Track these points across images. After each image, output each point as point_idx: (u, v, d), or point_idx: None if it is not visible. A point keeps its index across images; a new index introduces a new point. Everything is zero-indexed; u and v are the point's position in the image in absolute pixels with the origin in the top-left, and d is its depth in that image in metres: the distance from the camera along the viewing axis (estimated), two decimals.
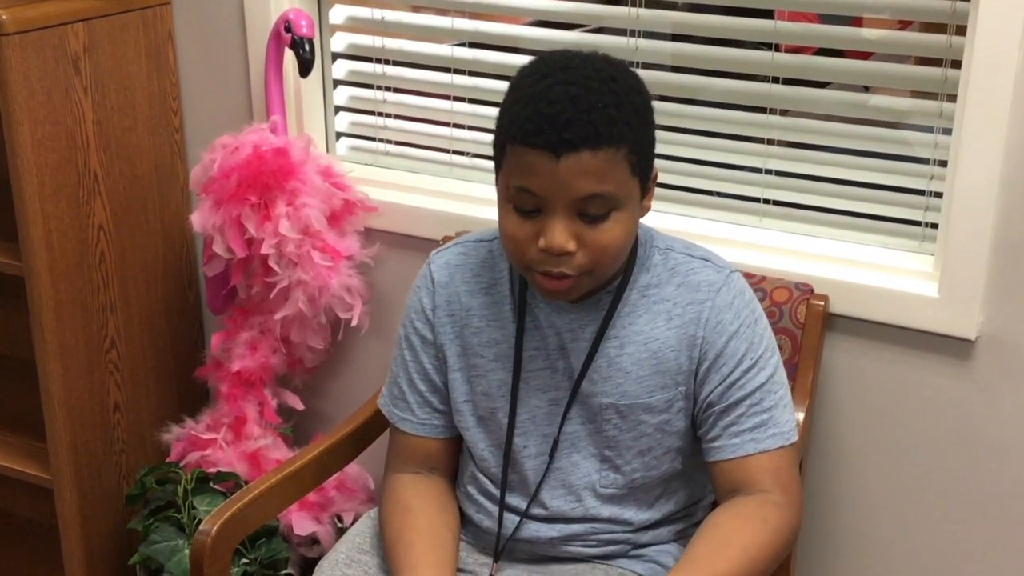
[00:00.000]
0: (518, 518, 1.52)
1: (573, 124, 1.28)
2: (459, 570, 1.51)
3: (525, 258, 1.36)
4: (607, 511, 1.50)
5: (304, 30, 1.95)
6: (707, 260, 1.48)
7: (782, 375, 1.47)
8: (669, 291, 1.46)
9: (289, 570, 2.03)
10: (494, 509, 1.53)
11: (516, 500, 1.53)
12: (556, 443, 1.48)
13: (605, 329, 1.45)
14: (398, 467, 1.58)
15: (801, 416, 1.68)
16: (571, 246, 1.33)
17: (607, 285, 1.45)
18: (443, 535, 1.50)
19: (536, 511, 1.51)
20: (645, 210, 1.41)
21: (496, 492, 1.53)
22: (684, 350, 1.44)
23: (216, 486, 2.01)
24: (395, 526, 1.50)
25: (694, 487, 1.55)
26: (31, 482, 2.14)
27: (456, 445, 1.60)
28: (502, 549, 1.53)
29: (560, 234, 1.32)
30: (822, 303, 1.71)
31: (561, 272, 1.34)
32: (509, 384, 1.49)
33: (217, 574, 1.54)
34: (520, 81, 1.36)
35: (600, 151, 1.29)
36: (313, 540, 2.07)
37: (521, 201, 1.34)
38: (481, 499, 1.55)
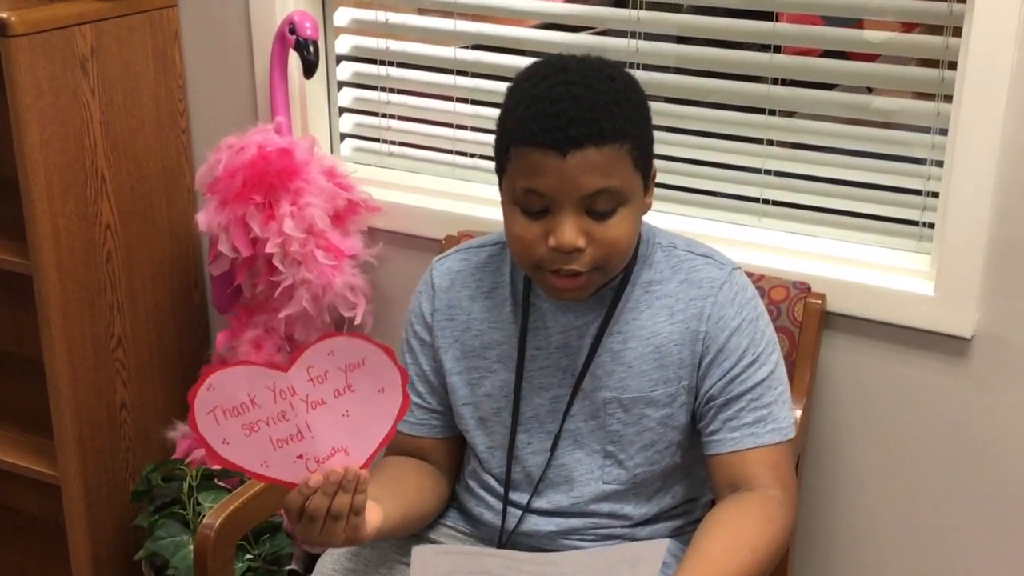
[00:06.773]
0: (520, 512, 1.53)
1: (577, 122, 1.30)
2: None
3: (535, 259, 1.38)
4: (607, 506, 1.51)
5: (308, 32, 1.97)
6: (709, 257, 1.50)
7: (782, 372, 1.49)
8: (672, 287, 1.47)
9: (292, 566, 2.05)
10: (495, 503, 1.55)
11: (518, 495, 1.54)
12: (557, 438, 1.50)
13: (608, 324, 1.47)
14: (393, 453, 1.59)
15: (799, 414, 1.69)
16: (581, 242, 1.35)
17: (610, 282, 1.46)
18: (406, 490, 1.49)
19: (537, 505, 1.53)
20: (647, 207, 1.43)
21: (497, 487, 1.55)
22: (687, 344, 1.46)
23: (221, 483, 2.03)
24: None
25: (692, 482, 1.56)
26: (38, 479, 2.17)
27: (452, 445, 1.61)
28: (504, 543, 1.55)
29: (570, 231, 1.34)
30: (820, 302, 1.73)
31: (572, 269, 1.36)
32: (512, 384, 1.51)
33: (220, 568, 1.55)
34: (520, 84, 1.38)
35: (605, 147, 1.32)
36: None
37: (528, 202, 1.36)
38: (482, 493, 1.57)
